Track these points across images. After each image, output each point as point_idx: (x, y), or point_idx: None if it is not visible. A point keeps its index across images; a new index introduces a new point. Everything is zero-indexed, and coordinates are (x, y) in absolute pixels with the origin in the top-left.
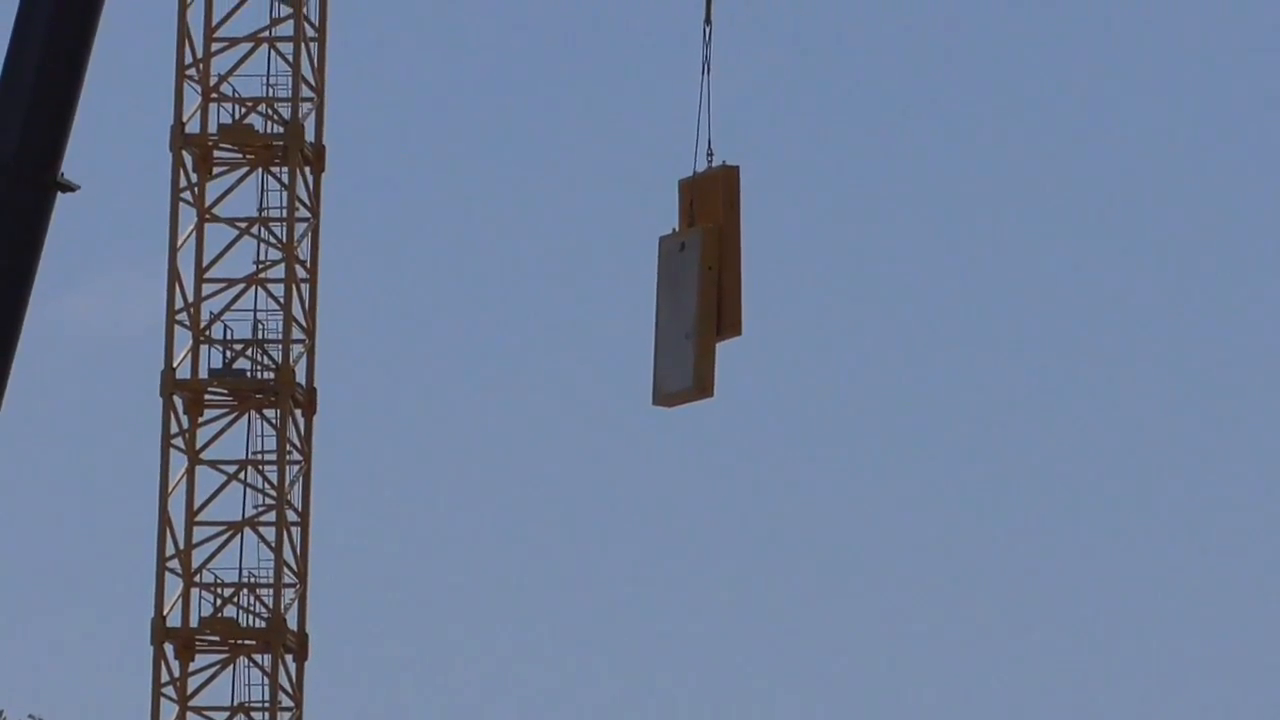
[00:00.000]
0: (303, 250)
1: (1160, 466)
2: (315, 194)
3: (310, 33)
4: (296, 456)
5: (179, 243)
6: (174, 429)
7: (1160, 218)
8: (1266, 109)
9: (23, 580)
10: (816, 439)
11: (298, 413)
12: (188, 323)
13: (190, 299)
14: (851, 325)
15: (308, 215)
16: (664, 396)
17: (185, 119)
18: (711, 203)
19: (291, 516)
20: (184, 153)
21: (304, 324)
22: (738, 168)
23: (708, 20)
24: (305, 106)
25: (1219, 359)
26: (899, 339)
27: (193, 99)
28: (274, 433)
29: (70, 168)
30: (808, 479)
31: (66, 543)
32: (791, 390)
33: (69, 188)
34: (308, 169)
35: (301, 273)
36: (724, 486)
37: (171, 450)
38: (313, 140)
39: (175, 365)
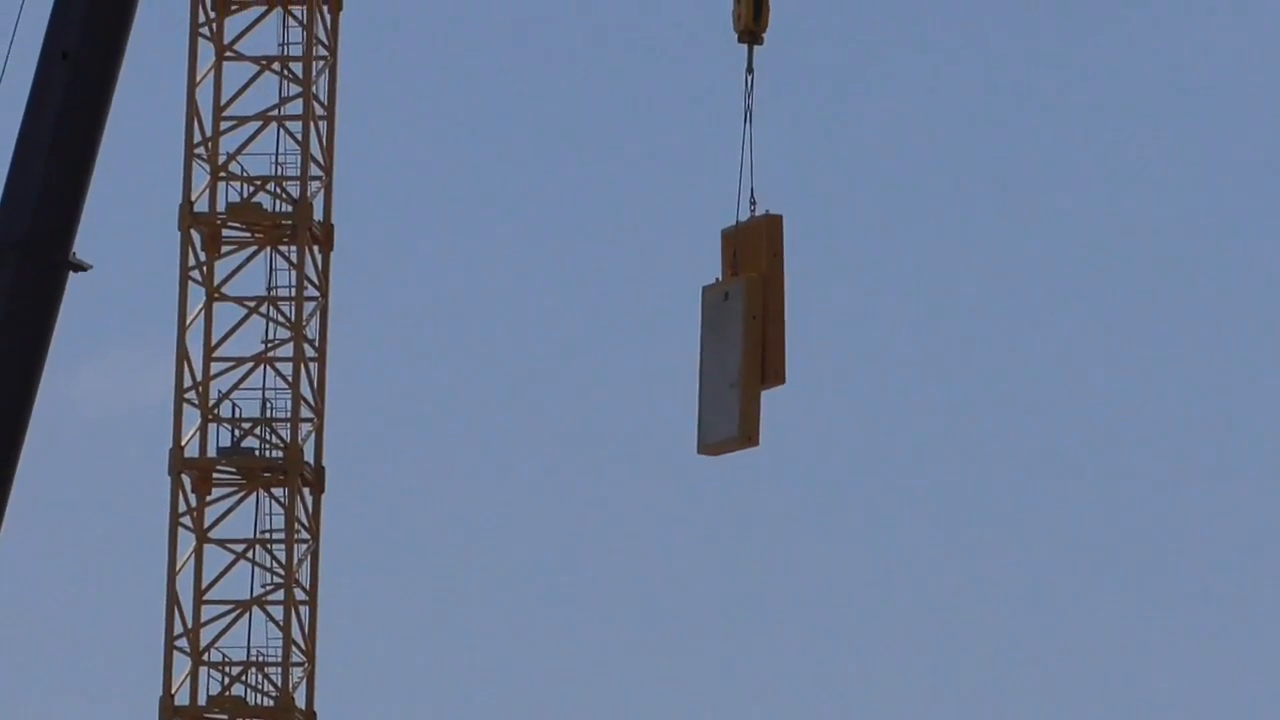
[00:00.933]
0: (311, 329)
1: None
2: (324, 272)
3: (319, 111)
4: (304, 535)
5: (188, 321)
6: (182, 507)
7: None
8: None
9: (31, 659)
10: (862, 488)
11: (306, 491)
12: (196, 401)
13: (199, 378)
14: (897, 374)
15: (316, 294)
16: (709, 446)
17: (194, 198)
18: (755, 252)
19: (299, 595)
20: (192, 231)
21: (312, 402)
22: (781, 216)
23: (749, 69)
24: (314, 185)
25: (1219, 358)
26: (946, 388)
27: (201, 178)
28: (282, 511)
29: (80, 246)
30: (853, 528)
31: (75, 622)
32: (836, 439)
33: (81, 267)
34: (316, 247)
35: (310, 351)
36: (769, 535)
37: (180, 529)
38: (321, 219)
39: (184, 444)
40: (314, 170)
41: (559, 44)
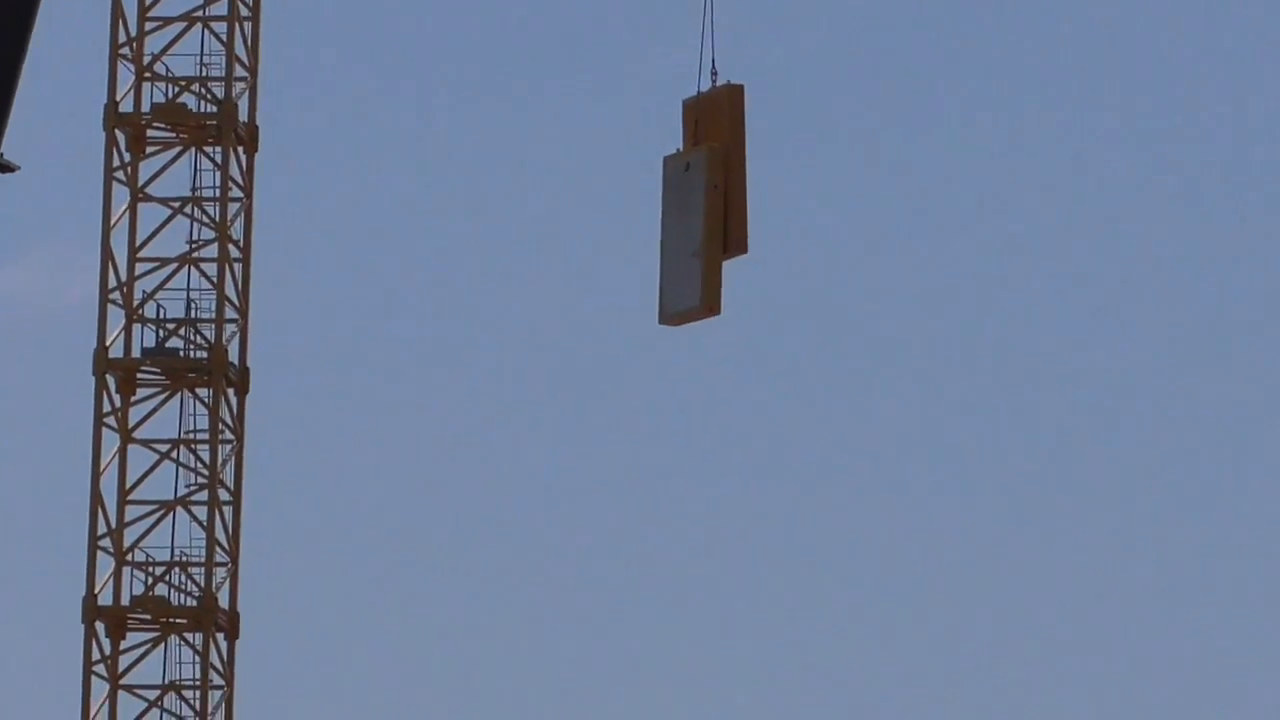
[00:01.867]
0: (236, 230)
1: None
2: (248, 173)
3: (244, 11)
4: (229, 436)
5: (112, 222)
6: (106, 408)
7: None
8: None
9: None
10: (824, 356)
11: (230, 392)
12: (121, 301)
13: (123, 278)
14: (858, 241)
15: (241, 195)
16: (671, 316)
17: (119, 98)
18: (716, 122)
19: (223, 495)
20: (117, 131)
21: (237, 304)
22: (742, 86)
23: None
24: (239, 86)
25: (1217, 359)
26: (906, 257)
27: (126, 78)
28: (206, 412)
29: (6, 147)
30: (815, 397)
31: None
32: (798, 307)
33: (8, 168)
34: (241, 149)
35: (235, 252)
36: (730, 404)
37: (104, 429)
38: (246, 119)
39: (108, 344)
40: (239, 71)
41: None
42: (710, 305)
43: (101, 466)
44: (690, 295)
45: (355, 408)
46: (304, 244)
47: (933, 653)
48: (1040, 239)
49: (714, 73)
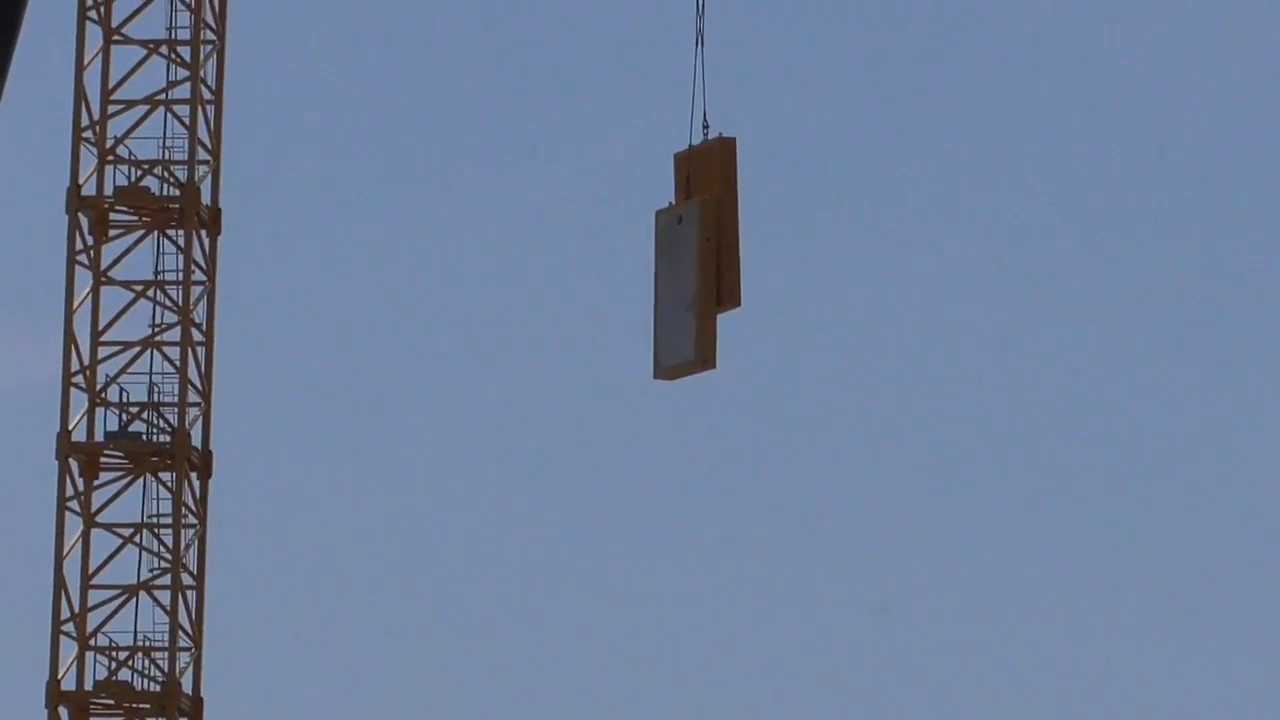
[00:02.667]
0: (199, 313)
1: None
2: (211, 257)
3: (207, 95)
4: (192, 520)
5: (75, 305)
6: (69, 491)
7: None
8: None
9: None
10: (819, 408)
11: (193, 476)
12: (84, 385)
13: (86, 361)
14: (851, 294)
15: (204, 278)
16: (666, 370)
17: (81, 181)
18: (708, 175)
19: (187, 580)
20: (80, 215)
21: (200, 387)
22: (734, 139)
23: None
24: (201, 169)
25: (1214, 358)
26: (899, 309)
27: (89, 161)
28: (170, 496)
29: None
30: (811, 449)
31: None
32: (793, 360)
33: None
34: (203, 232)
35: (198, 335)
36: (727, 457)
37: (67, 513)
38: (209, 203)
39: (71, 428)
40: (201, 154)
41: None
42: (705, 359)
43: (65, 551)
44: (685, 349)
45: (321, 490)
46: (267, 327)
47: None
48: (1035, 286)
49: (705, 125)
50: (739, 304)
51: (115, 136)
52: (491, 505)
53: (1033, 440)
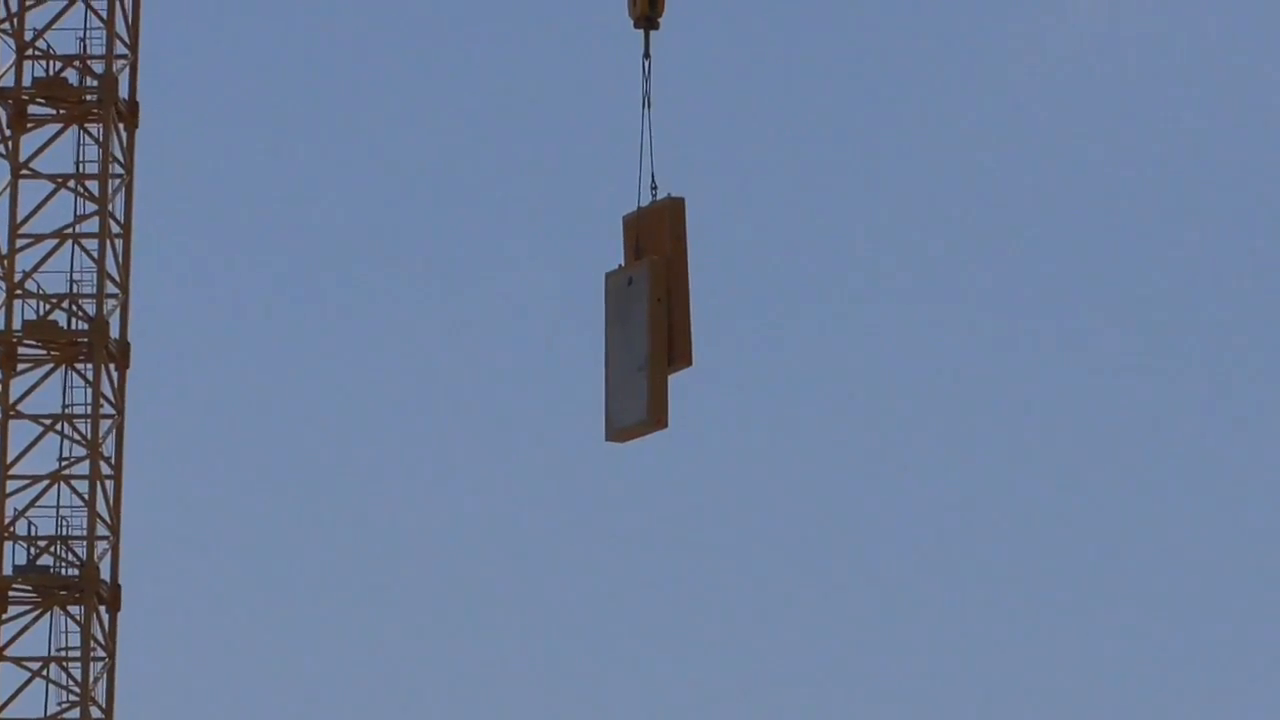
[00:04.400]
0: (107, 447)
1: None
2: (120, 391)
3: (115, 229)
4: (101, 653)
5: None
6: None
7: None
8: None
9: None
10: (774, 464)
11: (102, 609)
12: (1, 276)
13: (3, 252)
14: (804, 351)
15: (112, 412)
16: (618, 431)
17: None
18: (658, 235)
19: (95, 714)
20: None
21: (109, 520)
22: (683, 199)
23: (646, 54)
24: (110, 303)
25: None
26: (852, 365)
27: (7, 55)
28: (78, 629)
29: None
30: (766, 506)
31: None
32: (745, 418)
33: None
34: (112, 365)
35: (106, 469)
36: (681, 519)
37: None
38: (118, 336)
39: None
40: (110, 288)
41: (449, 36)
42: (657, 419)
43: None
44: (637, 410)
45: (232, 621)
46: (185, 220)
47: None
48: (989, 355)
49: (654, 186)
50: (691, 363)
51: (24, 270)
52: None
53: (990, 524)
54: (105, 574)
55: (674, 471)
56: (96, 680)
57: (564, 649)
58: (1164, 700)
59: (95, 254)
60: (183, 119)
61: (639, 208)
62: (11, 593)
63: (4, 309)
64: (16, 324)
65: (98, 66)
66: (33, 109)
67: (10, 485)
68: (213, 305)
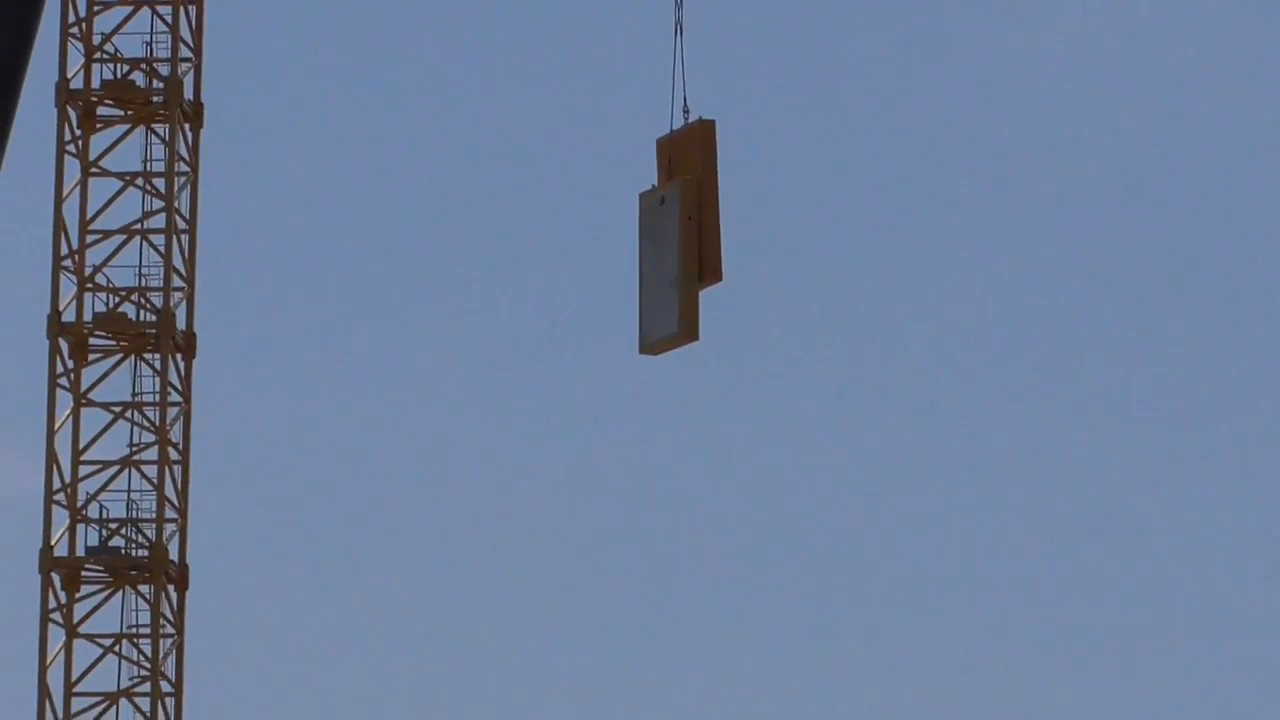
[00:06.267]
0: (175, 433)
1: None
2: (186, 379)
3: (181, 224)
4: (169, 630)
5: (56, 426)
6: (52, 604)
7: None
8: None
9: None
10: (802, 381)
11: (170, 588)
12: (65, 502)
13: (67, 480)
14: (832, 269)
15: (179, 400)
16: (651, 345)
17: (61, 308)
18: (689, 157)
19: (165, 687)
20: (60, 340)
21: (176, 503)
22: (714, 121)
23: None
24: (176, 295)
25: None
26: (879, 280)
27: (69, 289)
28: (148, 607)
29: None
30: (795, 422)
31: None
32: (775, 332)
33: None
34: (179, 355)
35: (174, 455)
36: (712, 430)
37: (50, 624)
38: (184, 327)
39: (53, 543)
40: (176, 281)
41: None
42: (688, 332)
43: (48, 660)
44: (669, 324)
45: (291, 603)
46: (248, 215)
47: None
48: (1015, 270)
49: (685, 110)
50: (721, 279)
51: (94, 265)
52: (479, 475)
53: (1021, 420)
54: (174, 554)
55: (705, 383)
56: (166, 656)
57: (595, 546)
58: (1163, 700)
59: (162, 249)
60: (246, 118)
61: (671, 130)
62: (85, 572)
63: (75, 302)
64: (87, 316)
65: (163, 69)
66: (101, 110)
67: (83, 470)
68: (276, 297)
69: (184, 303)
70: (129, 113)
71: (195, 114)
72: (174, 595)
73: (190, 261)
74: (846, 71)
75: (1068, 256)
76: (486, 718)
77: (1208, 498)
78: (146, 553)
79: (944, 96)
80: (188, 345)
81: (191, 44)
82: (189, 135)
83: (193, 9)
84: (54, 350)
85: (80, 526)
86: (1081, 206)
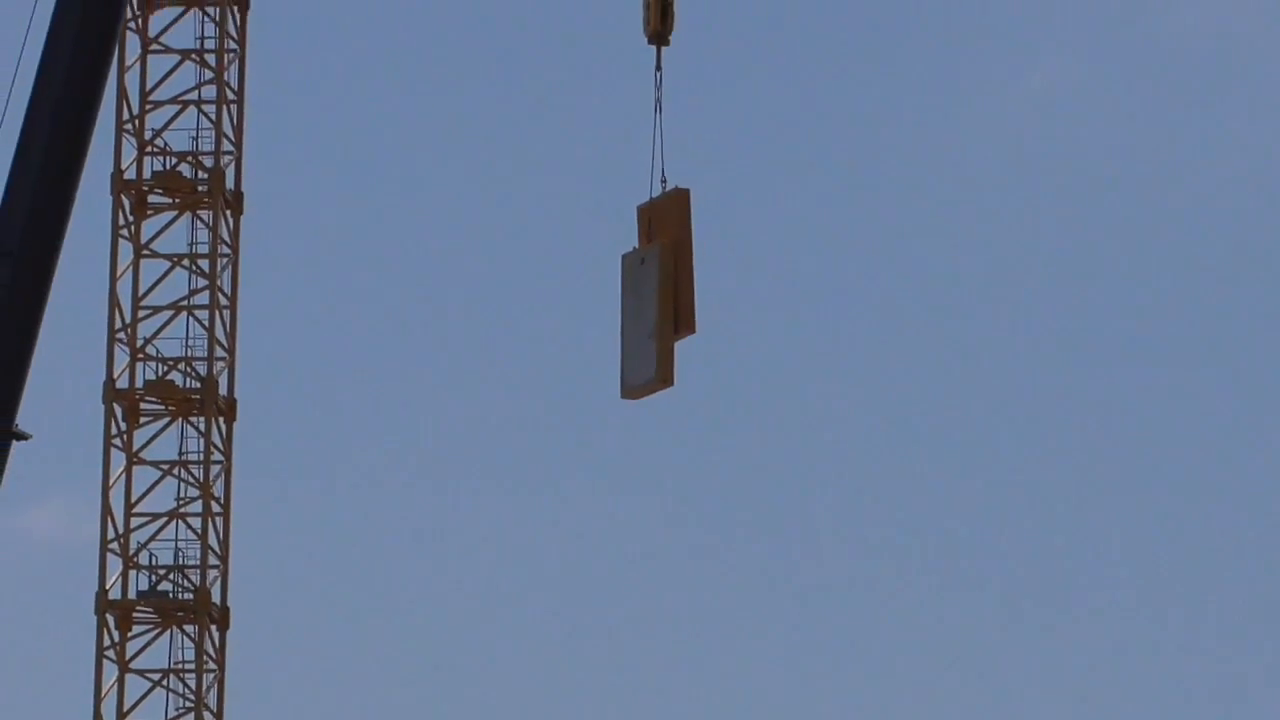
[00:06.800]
0: (218, 488)
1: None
2: (228, 440)
3: (223, 301)
4: (212, 665)
5: (110, 482)
6: (106, 642)
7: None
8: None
9: None
10: (770, 420)
11: (213, 628)
12: (118, 550)
13: (120, 530)
14: (802, 319)
15: (221, 459)
16: (631, 390)
17: (116, 376)
18: (667, 221)
19: (215, 508)
20: (115, 405)
21: (218, 551)
22: (688, 190)
23: (658, 68)
24: (218, 364)
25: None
26: (843, 331)
27: (122, 358)
28: (193, 645)
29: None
30: (763, 456)
31: None
32: (745, 379)
33: (22, 436)
34: (220, 418)
35: (216, 508)
36: (686, 469)
37: (105, 661)
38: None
39: (108, 587)
40: (219, 352)
41: (492, 46)
42: (664, 378)
43: (103, 693)
44: (647, 370)
45: (330, 638)
46: (284, 292)
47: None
48: (983, 312)
49: (664, 179)
50: (694, 330)
51: (144, 336)
52: (475, 498)
53: (985, 481)
54: (216, 597)
55: (680, 424)
56: (209, 689)
57: (583, 567)
58: (1165, 699)
59: (206, 323)
60: (281, 206)
61: (651, 198)
62: (135, 613)
63: (128, 371)
64: (139, 383)
65: (208, 161)
66: (152, 198)
67: (134, 521)
68: (308, 367)
69: (225, 371)
70: (176, 200)
71: (236, 201)
72: (216, 634)
73: (231, 334)
74: (810, 149)
75: (1039, 318)
76: None
77: (1207, 498)
78: (191, 596)
79: (914, 156)
80: (229, 409)
81: (233, 139)
82: (230, 220)
83: (234, 108)
84: (109, 414)
85: (132, 572)
86: (1049, 273)
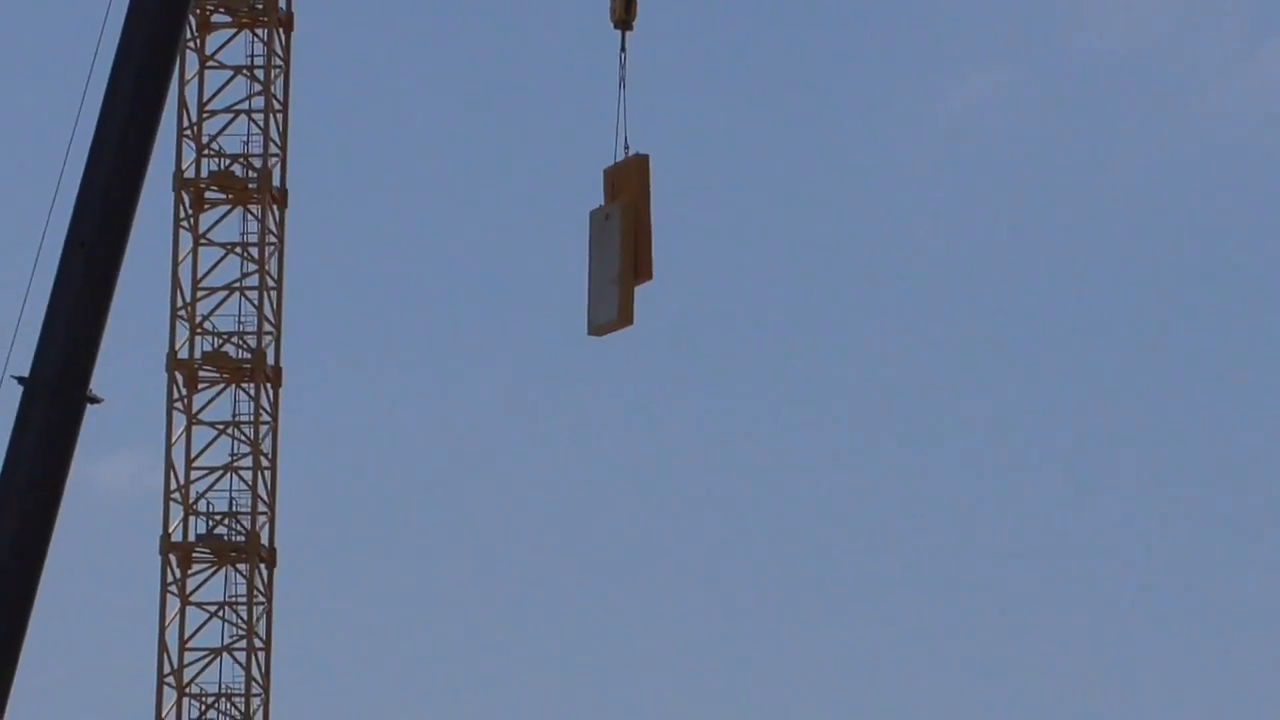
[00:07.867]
0: (266, 445)
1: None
2: (275, 405)
3: (270, 284)
4: (261, 599)
5: (173, 440)
6: (169, 579)
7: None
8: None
9: (45, 686)
10: (720, 360)
11: (262, 566)
12: (179, 499)
13: (181, 482)
14: (750, 269)
15: (269, 421)
16: (597, 328)
17: (177, 348)
18: (629, 183)
19: (258, 644)
20: (176, 374)
21: (267, 500)
22: (648, 156)
23: (622, 49)
24: (267, 339)
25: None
26: (791, 279)
27: (183, 333)
28: (245, 581)
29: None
30: (712, 393)
31: (82, 663)
32: (698, 322)
33: (95, 400)
34: (269, 385)
35: (265, 463)
36: (646, 400)
37: (168, 595)
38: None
39: (170, 531)
40: (267, 328)
41: (493, 46)
42: (625, 318)
43: (167, 622)
44: (610, 311)
45: (371, 582)
46: (325, 277)
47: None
48: (938, 275)
49: (626, 146)
50: (651, 278)
51: (203, 315)
52: (486, 425)
53: (963, 387)
54: (265, 540)
55: (640, 359)
56: (259, 619)
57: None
58: (1164, 700)
59: (255, 302)
60: (322, 201)
61: (615, 162)
62: (194, 554)
63: (188, 343)
64: (198, 354)
65: (257, 163)
66: (209, 194)
67: (193, 474)
68: (346, 339)
69: (272, 344)
70: (230, 196)
71: (281, 197)
72: (265, 572)
73: (278, 312)
74: (766, 113)
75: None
76: (532, 692)
77: (1207, 499)
78: (244, 539)
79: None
80: (275, 377)
81: (279, 143)
82: (276, 213)
83: (280, 116)
84: (171, 381)
85: (191, 518)
86: (968, 287)
